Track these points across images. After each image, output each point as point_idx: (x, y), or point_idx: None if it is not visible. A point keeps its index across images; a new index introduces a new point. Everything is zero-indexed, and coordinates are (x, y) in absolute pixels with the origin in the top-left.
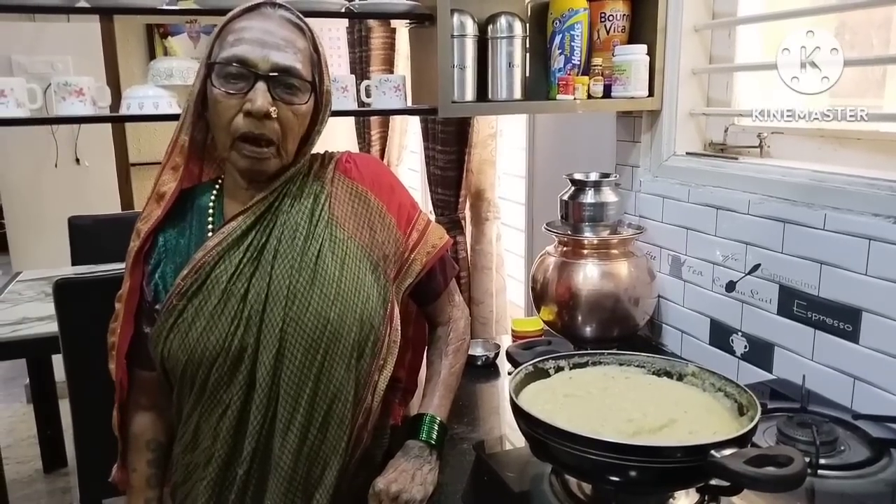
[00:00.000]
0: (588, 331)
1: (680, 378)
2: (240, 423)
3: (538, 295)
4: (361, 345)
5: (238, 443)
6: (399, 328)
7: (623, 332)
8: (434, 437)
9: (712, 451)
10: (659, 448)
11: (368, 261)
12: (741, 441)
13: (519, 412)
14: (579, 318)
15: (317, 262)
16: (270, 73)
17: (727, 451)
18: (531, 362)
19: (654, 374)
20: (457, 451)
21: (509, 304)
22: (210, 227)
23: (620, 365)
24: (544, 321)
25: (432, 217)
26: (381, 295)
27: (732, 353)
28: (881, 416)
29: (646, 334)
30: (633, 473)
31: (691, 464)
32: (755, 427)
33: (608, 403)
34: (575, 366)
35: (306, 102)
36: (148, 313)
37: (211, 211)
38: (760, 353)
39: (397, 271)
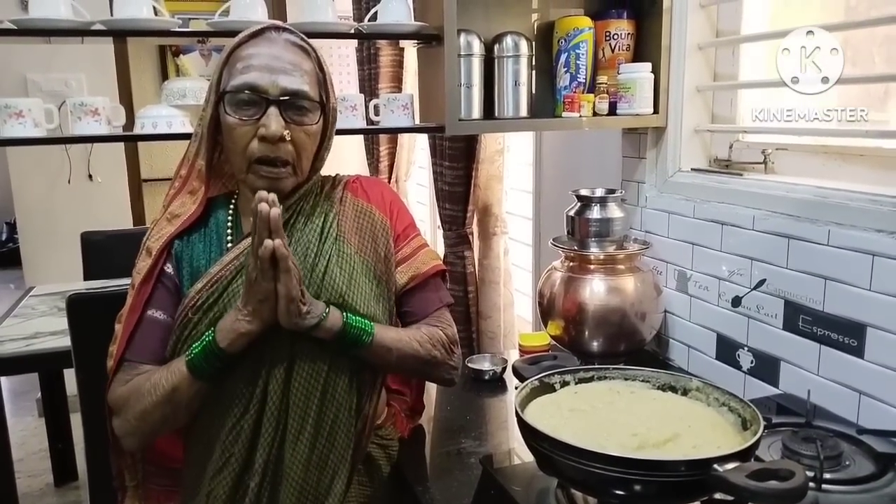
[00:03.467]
0: (595, 346)
1: (684, 393)
2: (253, 435)
3: (545, 310)
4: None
5: (251, 455)
6: None
7: (630, 346)
8: (351, 326)
9: (715, 465)
10: (662, 462)
11: (373, 274)
12: (744, 455)
13: (524, 426)
14: (586, 332)
15: (324, 278)
16: (281, 98)
17: (730, 465)
18: (537, 377)
19: (658, 388)
20: (464, 465)
21: (517, 319)
22: (229, 241)
23: (626, 380)
24: (551, 336)
25: (439, 234)
26: (386, 306)
27: (739, 367)
28: (886, 431)
29: (653, 349)
30: (637, 487)
31: (694, 478)
32: (758, 441)
33: (613, 418)
34: (580, 381)
35: (317, 122)
36: (173, 300)
37: (230, 226)
38: (766, 367)
39: (392, 283)
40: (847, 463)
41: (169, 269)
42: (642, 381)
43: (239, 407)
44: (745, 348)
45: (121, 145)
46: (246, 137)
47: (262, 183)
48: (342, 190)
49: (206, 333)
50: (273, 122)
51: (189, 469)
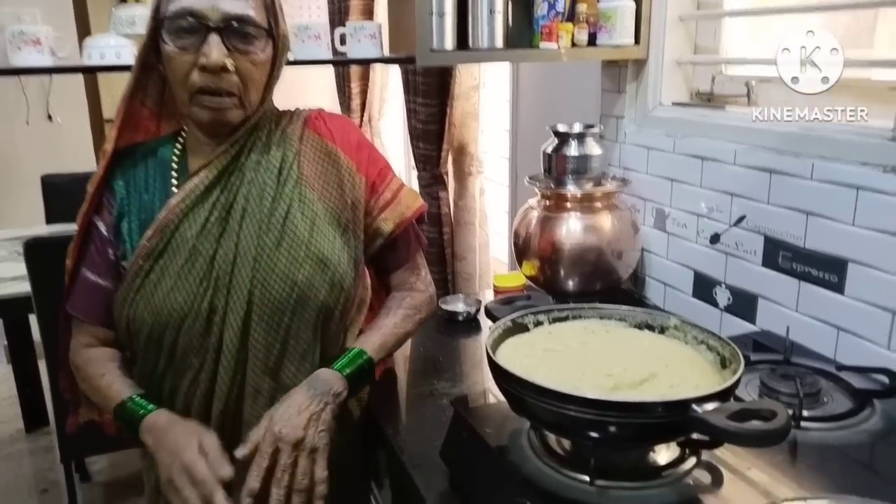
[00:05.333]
0: (570, 285)
1: (662, 331)
2: (211, 387)
3: (520, 250)
4: (330, 307)
5: (210, 407)
6: (369, 288)
7: (606, 285)
8: (349, 371)
9: (693, 406)
10: (638, 404)
11: (338, 222)
12: (723, 395)
13: (496, 368)
14: (562, 272)
15: (284, 224)
16: (223, 24)
17: (709, 406)
18: (510, 317)
19: (635, 327)
20: (436, 407)
21: (493, 261)
22: (174, 183)
23: (601, 318)
24: (526, 276)
25: (413, 174)
26: (352, 256)
27: (716, 305)
28: (865, 367)
29: (629, 288)
30: (612, 429)
31: (672, 419)
32: (738, 381)
33: (588, 358)
34: (555, 320)
35: (264, 50)
36: (113, 267)
37: (175, 167)
38: (744, 304)
39: (367, 231)
40: (825, 400)
41: (101, 226)
42: (618, 319)
43: (196, 359)
44: (723, 285)
45: (80, 83)
46: (185, 67)
47: (206, 114)
48: (302, 127)
49: (141, 415)
50: (214, 50)
51: None
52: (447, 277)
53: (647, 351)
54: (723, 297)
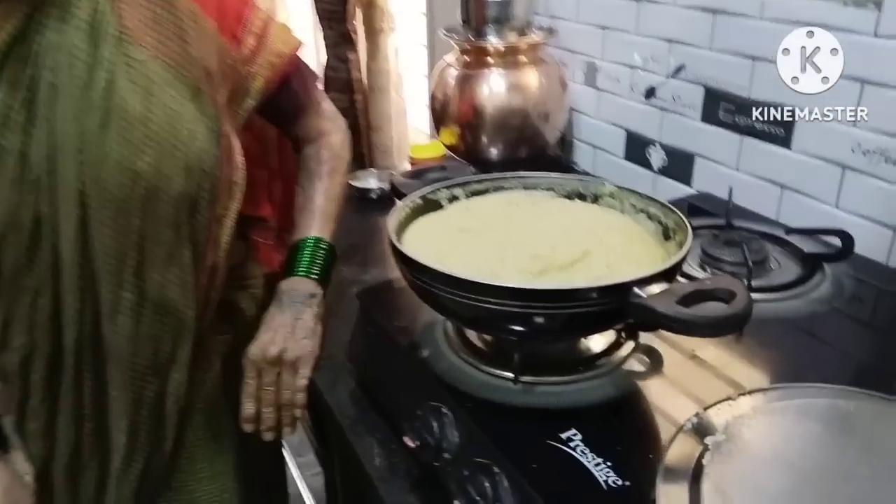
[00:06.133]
0: (493, 153)
1: (595, 200)
2: (56, 311)
3: (438, 115)
4: (192, 198)
5: (61, 336)
6: (242, 166)
7: (532, 151)
8: (317, 269)
9: (636, 290)
10: (569, 291)
11: (185, 85)
12: (669, 274)
13: (399, 256)
14: (483, 138)
15: (109, 98)
16: None
17: (654, 289)
18: (419, 193)
19: (565, 197)
20: (344, 298)
21: (412, 130)
22: None
23: (526, 189)
24: (445, 145)
25: (320, 35)
26: (211, 128)
27: (649, 167)
28: (814, 229)
29: (556, 154)
30: (539, 321)
31: (610, 306)
32: (686, 255)
33: (511, 237)
34: (473, 193)
35: None
36: None
37: None
38: (680, 165)
39: (232, 91)
40: (772, 267)
41: None
42: (546, 189)
43: (30, 280)
44: (657, 145)
45: None
46: None
47: None
48: None
49: None
50: None
51: None
52: (362, 151)
53: (578, 224)
54: (657, 157)
